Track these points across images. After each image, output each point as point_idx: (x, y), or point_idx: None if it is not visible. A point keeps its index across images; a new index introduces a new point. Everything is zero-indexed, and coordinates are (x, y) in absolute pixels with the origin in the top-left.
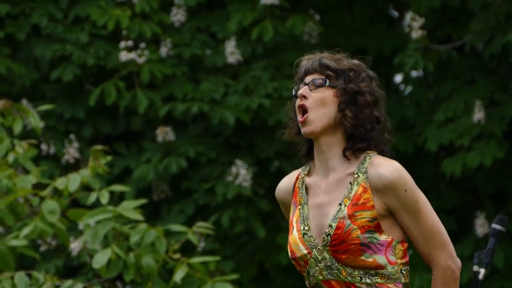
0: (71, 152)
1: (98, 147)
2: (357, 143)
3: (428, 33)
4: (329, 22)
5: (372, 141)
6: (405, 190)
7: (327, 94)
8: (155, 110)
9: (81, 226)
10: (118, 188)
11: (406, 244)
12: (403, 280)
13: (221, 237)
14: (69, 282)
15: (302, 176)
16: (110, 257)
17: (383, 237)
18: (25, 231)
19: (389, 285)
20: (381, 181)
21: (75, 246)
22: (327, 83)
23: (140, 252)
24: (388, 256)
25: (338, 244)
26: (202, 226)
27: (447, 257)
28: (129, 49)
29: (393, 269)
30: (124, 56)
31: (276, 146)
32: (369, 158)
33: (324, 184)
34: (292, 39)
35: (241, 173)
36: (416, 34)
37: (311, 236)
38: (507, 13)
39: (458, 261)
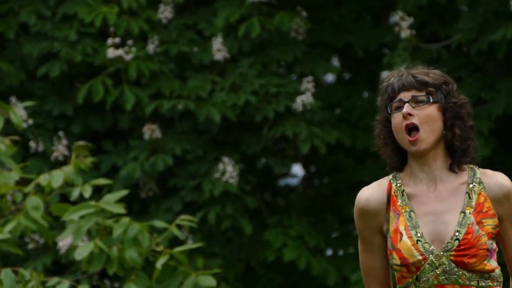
0: (60, 149)
1: (81, 143)
2: (462, 157)
3: (415, 31)
4: (316, 19)
5: (471, 152)
6: None
7: (432, 110)
8: (142, 107)
9: None
10: (100, 182)
11: (496, 246)
12: (501, 282)
13: (208, 234)
14: (55, 279)
15: (399, 185)
16: (92, 250)
17: (495, 244)
18: (8, 227)
19: (497, 287)
20: (500, 190)
21: (63, 244)
22: (431, 100)
23: (123, 245)
24: (496, 260)
25: (467, 249)
26: (185, 219)
27: None
28: (116, 46)
29: (499, 272)
30: (111, 53)
31: (262, 143)
32: (478, 169)
33: (433, 194)
34: (279, 35)
35: (228, 170)
36: (405, 33)
37: (426, 242)
38: (494, 11)
39: None
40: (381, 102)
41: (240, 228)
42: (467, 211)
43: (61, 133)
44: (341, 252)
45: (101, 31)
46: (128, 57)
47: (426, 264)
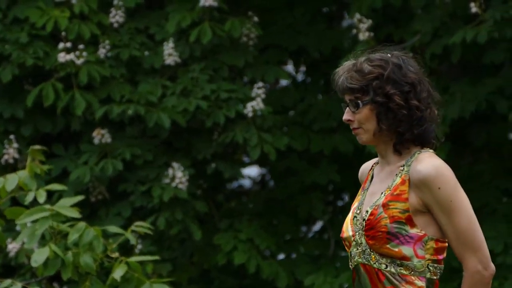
0: (11, 152)
1: (37, 147)
2: (403, 136)
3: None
4: (269, 21)
5: (417, 130)
6: (439, 188)
7: (365, 111)
8: (92, 111)
9: (18, 227)
10: (55, 187)
11: (442, 244)
12: (428, 276)
13: (158, 239)
14: (7, 281)
15: (374, 165)
16: (48, 255)
17: (414, 230)
18: None
19: (412, 277)
20: (417, 175)
21: (12, 246)
22: (360, 105)
23: (78, 250)
24: (416, 250)
25: (369, 230)
26: (140, 226)
27: (478, 261)
28: (67, 50)
29: (419, 263)
30: (62, 57)
31: (213, 148)
32: (418, 153)
33: (379, 175)
34: (230, 41)
35: (178, 175)
36: (363, 35)
37: (359, 219)
38: (452, 13)
39: (492, 267)
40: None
41: (191, 233)
42: (384, 193)
43: (12, 137)
44: (294, 255)
45: (52, 35)
46: (79, 62)
47: (353, 241)
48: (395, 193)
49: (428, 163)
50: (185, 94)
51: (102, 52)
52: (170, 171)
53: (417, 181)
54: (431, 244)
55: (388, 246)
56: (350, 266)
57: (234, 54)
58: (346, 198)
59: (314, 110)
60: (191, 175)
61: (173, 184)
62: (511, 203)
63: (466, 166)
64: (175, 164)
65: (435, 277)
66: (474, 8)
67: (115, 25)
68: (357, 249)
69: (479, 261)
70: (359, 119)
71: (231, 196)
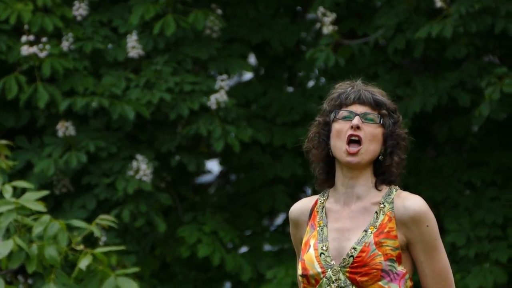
0: None
1: (3, 141)
2: (388, 178)
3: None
4: (232, 15)
5: (398, 179)
6: (427, 226)
7: (378, 131)
8: (56, 104)
9: None
10: (21, 184)
11: (412, 283)
12: None
13: (122, 231)
14: None
15: (322, 201)
16: (12, 248)
17: (400, 268)
18: None
19: None
20: (407, 212)
21: None
22: (381, 121)
23: (43, 243)
24: (401, 286)
25: (360, 267)
26: (104, 219)
27: None
28: (30, 43)
29: None
30: (25, 50)
31: (177, 140)
32: (396, 191)
33: (346, 211)
34: (194, 33)
35: (142, 167)
36: (327, 29)
37: (328, 256)
38: (415, 8)
39: None
40: (328, 106)
41: (155, 226)
42: (370, 230)
43: None
44: (256, 248)
45: (15, 28)
46: (42, 54)
47: (324, 277)
48: (385, 230)
49: (416, 200)
50: (148, 86)
51: (65, 45)
52: (134, 164)
53: (406, 218)
54: (409, 282)
55: (380, 283)
56: None
57: (197, 46)
58: (309, 191)
59: (277, 103)
60: (155, 168)
61: (137, 177)
62: (473, 197)
63: (429, 159)
64: (139, 157)
65: None
66: (438, 3)
67: (79, 18)
68: (329, 286)
69: None
70: (370, 133)
71: (195, 189)
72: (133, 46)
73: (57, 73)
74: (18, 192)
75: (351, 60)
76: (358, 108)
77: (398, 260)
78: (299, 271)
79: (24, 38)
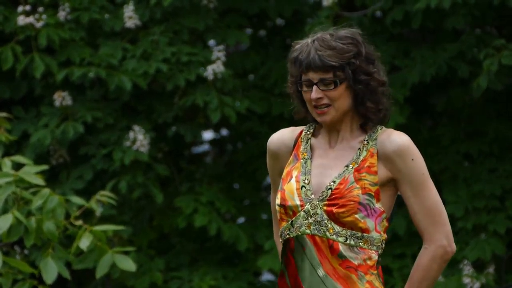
0: None
1: (3, 114)
2: (368, 122)
3: None
4: None
5: (384, 117)
6: (412, 159)
7: (341, 89)
8: (53, 75)
9: None
10: (20, 159)
11: (387, 225)
12: (380, 252)
13: (119, 202)
14: None
15: (308, 133)
16: (11, 222)
17: (378, 205)
18: None
19: (370, 251)
20: (391, 145)
21: None
22: (339, 83)
23: (42, 217)
24: (377, 224)
25: (338, 199)
26: (104, 195)
27: (444, 236)
28: (27, 14)
29: (377, 237)
30: (21, 20)
31: (174, 111)
32: (381, 129)
33: (331, 150)
34: (190, 3)
35: (139, 138)
36: (327, 1)
37: (309, 190)
38: None
39: (454, 246)
40: (291, 70)
41: (152, 197)
42: (351, 166)
43: None
44: (254, 219)
45: None
46: (39, 25)
47: (302, 211)
48: (365, 165)
49: (400, 135)
50: (145, 57)
51: (62, 15)
52: (131, 134)
53: (390, 153)
54: (385, 222)
55: (356, 215)
56: (287, 235)
57: (194, 17)
58: None
59: (275, 73)
60: (152, 138)
61: (134, 147)
62: (471, 168)
63: (427, 130)
64: (136, 127)
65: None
66: None
67: None
68: (307, 219)
69: (445, 236)
70: (333, 96)
71: (192, 159)
72: (130, 16)
73: (54, 43)
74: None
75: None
76: (314, 76)
77: (376, 196)
78: (278, 201)
79: (20, 8)
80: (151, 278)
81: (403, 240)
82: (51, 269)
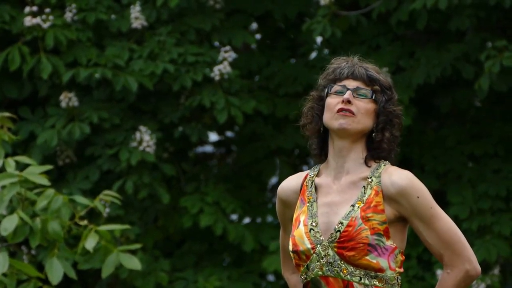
0: None
1: (6, 114)
2: (379, 154)
3: None
4: None
5: (391, 157)
6: (418, 197)
7: (370, 107)
8: (59, 75)
9: None
10: (24, 159)
11: (403, 258)
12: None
13: (126, 203)
14: None
15: (312, 176)
16: (17, 223)
17: (389, 243)
18: None
19: None
20: (393, 187)
21: None
22: (373, 97)
23: (47, 217)
24: (390, 262)
25: (347, 241)
26: (108, 195)
27: (465, 262)
28: (34, 14)
29: (392, 275)
30: (28, 21)
31: (180, 112)
32: (384, 165)
33: (336, 185)
34: (197, 4)
35: (145, 139)
36: (324, 1)
37: (318, 232)
38: None
39: (479, 268)
40: (322, 81)
41: (158, 197)
42: (357, 205)
43: None
44: (259, 220)
45: None
46: (46, 25)
47: (314, 253)
48: (372, 205)
49: (402, 174)
50: (152, 57)
51: (68, 15)
52: (138, 135)
53: (394, 193)
54: (399, 257)
55: (367, 257)
56: (303, 280)
57: (201, 17)
58: (312, 162)
59: (280, 75)
60: (158, 139)
61: (141, 148)
62: (476, 169)
63: (432, 131)
64: (142, 128)
65: None
66: None
67: None
68: (319, 262)
69: (467, 261)
70: (361, 107)
71: (197, 161)
72: (137, 17)
73: (61, 44)
74: (21, 166)
75: (353, 31)
76: (351, 83)
77: (386, 234)
78: (290, 247)
79: (27, 9)
80: (156, 278)
81: (408, 241)
82: (56, 270)
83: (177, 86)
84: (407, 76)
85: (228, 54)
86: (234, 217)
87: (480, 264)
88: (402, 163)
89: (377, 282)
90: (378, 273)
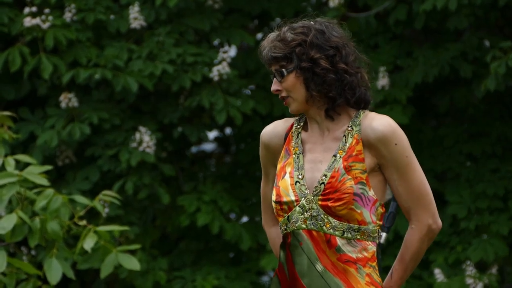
0: None
1: (6, 113)
2: (335, 102)
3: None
4: None
5: (350, 95)
6: (396, 144)
7: (290, 79)
8: (59, 76)
9: None
10: (24, 158)
11: (384, 209)
12: (377, 241)
13: (125, 203)
14: None
15: (298, 127)
16: (15, 222)
17: (371, 193)
18: None
19: (366, 242)
20: (373, 133)
21: None
22: (285, 73)
23: (46, 217)
24: (371, 214)
25: (332, 193)
26: (108, 195)
27: (429, 216)
28: (33, 15)
29: (374, 228)
30: (28, 22)
31: (179, 112)
32: (363, 113)
33: (320, 142)
34: (196, 4)
35: (145, 139)
36: (333, 2)
37: (303, 185)
38: None
39: (440, 223)
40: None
41: (157, 197)
42: (338, 155)
43: None
44: (257, 219)
45: (17, 1)
46: (45, 26)
47: (297, 206)
48: (353, 154)
49: (382, 120)
50: (151, 58)
51: (68, 16)
52: (138, 135)
53: (373, 139)
54: (380, 209)
55: (353, 207)
56: (284, 231)
57: (200, 17)
58: None
59: None
60: (158, 139)
61: (141, 148)
62: (474, 168)
63: (430, 130)
64: (142, 128)
65: (377, 243)
66: None
67: None
68: (302, 214)
69: (431, 216)
70: (286, 87)
71: (195, 160)
72: (135, 17)
73: (60, 44)
74: (21, 165)
75: (361, 32)
76: (272, 68)
77: (368, 184)
78: (273, 197)
79: (26, 10)
80: (154, 277)
81: None
82: (55, 269)
83: (176, 87)
84: (405, 75)
85: (227, 55)
86: (232, 216)
87: (477, 263)
88: None
89: (359, 236)
90: (360, 226)
